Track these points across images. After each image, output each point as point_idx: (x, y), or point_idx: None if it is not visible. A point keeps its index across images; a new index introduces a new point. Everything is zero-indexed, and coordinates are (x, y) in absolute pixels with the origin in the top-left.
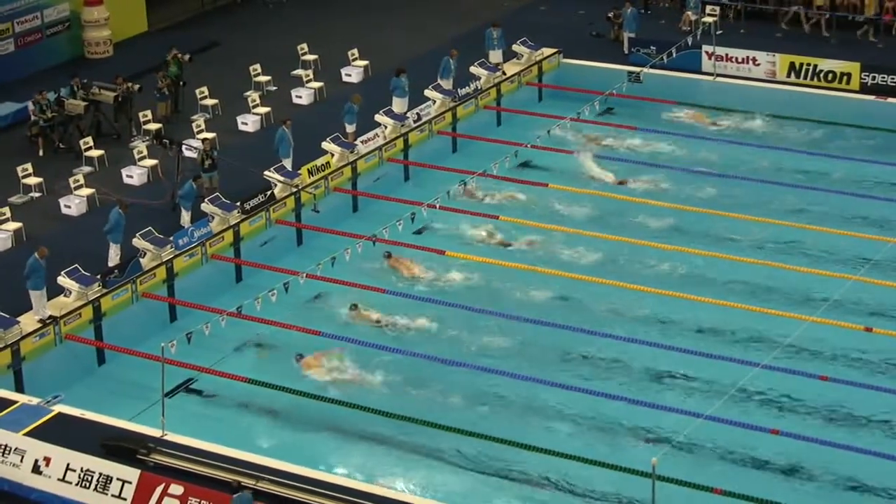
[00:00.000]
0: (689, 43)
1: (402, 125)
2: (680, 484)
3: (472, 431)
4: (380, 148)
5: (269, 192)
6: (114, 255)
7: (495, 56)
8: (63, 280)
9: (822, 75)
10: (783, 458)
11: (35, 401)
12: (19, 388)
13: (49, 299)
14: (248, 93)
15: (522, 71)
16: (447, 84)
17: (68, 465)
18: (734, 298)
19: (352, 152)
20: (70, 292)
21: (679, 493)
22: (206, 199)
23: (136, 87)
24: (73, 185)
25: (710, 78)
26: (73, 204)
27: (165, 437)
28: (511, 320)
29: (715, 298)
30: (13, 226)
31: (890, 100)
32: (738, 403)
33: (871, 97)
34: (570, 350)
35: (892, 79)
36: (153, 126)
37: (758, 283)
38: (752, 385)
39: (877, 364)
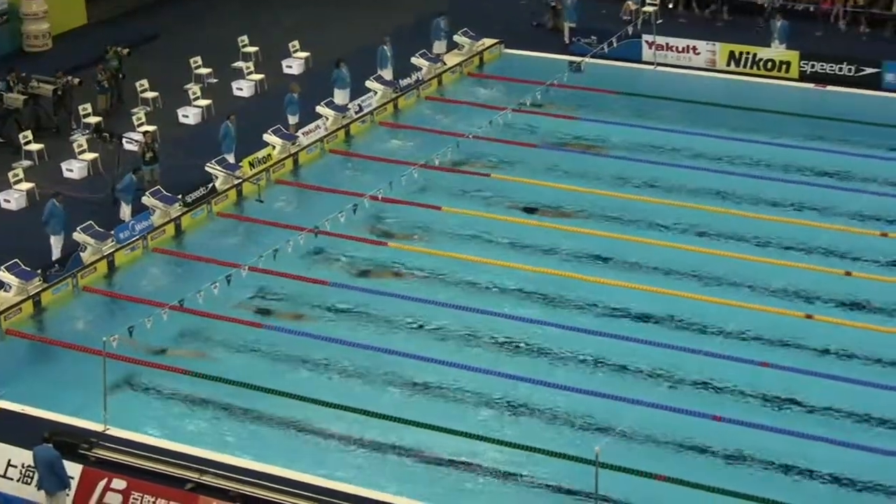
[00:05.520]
0: (630, 32)
1: (344, 116)
2: (623, 471)
3: (411, 420)
4: (321, 139)
5: (210, 185)
6: (56, 247)
7: (440, 47)
8: (3, 275)
9: (761, 64)
10: (725, 445)
11: None
12: None
13: None
14: (188, 85)
15: (464, 61)
16: (387, 74)
17: (9, 461)
18: (672, 285)
19: (293, 144)
20: (10, 287)
21: (622, 480)
22: (147, 193)
23: (76, 80)
24: (12, 180)
25: (651, 67)
26: (13, 198)
27: (108, 432)
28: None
29: (652, 286)
30: None
31: (829, 88)
32: (679, 391)
33: (811, 85)
34: (508, 337)
35: (832, 67)
36: (93, 119)
37: (693, 270)
38: (694, 372)
39: (817, 350)
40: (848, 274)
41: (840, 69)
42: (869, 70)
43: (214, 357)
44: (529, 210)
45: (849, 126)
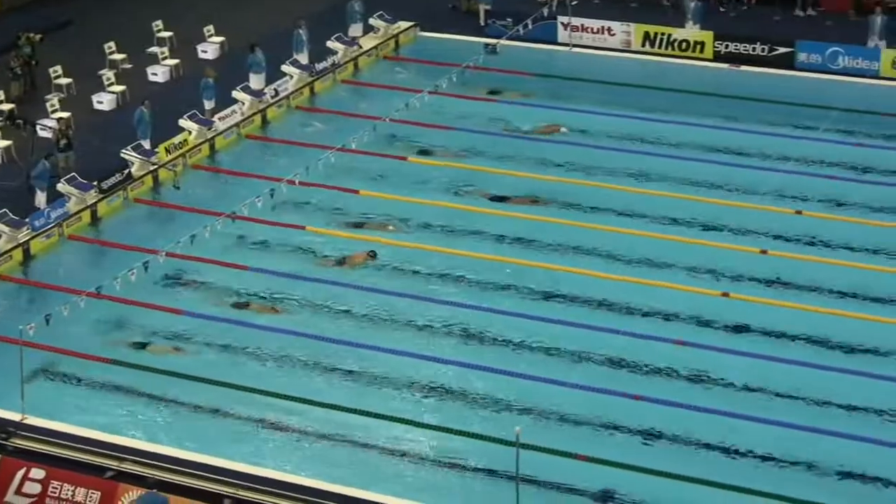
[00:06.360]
0: (545, 14)
1: (260, 101)
2: (544, 451)
3: (333, 404)
4: (237, 124)
5: (126, 171)
6: None
7: (355, 30)
8: None
9: (676, 44)
10: (645, 423)
11: None
12: None
13: None
14: (102, 71)
15: (380, 45)
16: (303, 58)
17: None
18: (589, 265)
19: (209, 129)
20: None
21: (543, 460)
22: (62, 180)
23: None
24: None
25: (567, 49)
26: None
27: (25, 421)
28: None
29: (569, 266)
30: None
31: (743, 68)
32: (598, 370)
33: (725, 65)
34: (429, 320)
35: (745, 47)
36: (6, 106)
37: (610, 250)
38: (612, 352)
39: (733, 328)
40: (764, 252)
41: (754, 49)
42: (782, 49)
43: (191, 353)
44: (499, 199)
45: (763, 105)
